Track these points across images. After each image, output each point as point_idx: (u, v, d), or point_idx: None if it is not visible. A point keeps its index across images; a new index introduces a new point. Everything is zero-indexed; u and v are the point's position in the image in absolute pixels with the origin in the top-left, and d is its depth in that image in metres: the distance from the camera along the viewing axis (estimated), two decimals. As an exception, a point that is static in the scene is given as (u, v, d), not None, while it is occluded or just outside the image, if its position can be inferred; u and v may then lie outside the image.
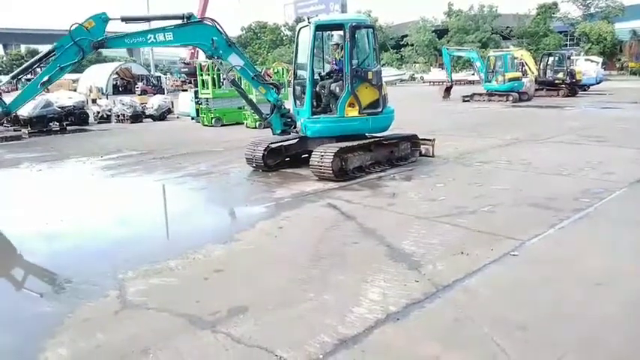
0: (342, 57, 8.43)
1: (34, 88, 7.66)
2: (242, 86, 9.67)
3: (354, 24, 8.37)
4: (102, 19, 7.60)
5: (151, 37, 8.03)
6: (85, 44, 7.52)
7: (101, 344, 3.39)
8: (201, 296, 4.02)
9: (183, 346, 3.31)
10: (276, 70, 20.51)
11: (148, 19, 8.77)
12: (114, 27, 8.45)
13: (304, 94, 8.58)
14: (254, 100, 10.26)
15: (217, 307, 3.80)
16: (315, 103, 8.65)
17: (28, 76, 8.74)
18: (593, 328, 3.45)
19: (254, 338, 3.35)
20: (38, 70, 7.91)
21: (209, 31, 8.19)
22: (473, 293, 3.96)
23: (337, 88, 8.54)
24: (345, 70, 8.29)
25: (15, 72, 8.30)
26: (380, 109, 8.57)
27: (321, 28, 8.76)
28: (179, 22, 8.01)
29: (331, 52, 9.15)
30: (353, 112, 8.41)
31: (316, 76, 8.87)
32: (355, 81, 8.33)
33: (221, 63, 8.59)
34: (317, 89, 8.75)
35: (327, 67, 9.25)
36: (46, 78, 7.53)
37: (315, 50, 8.55)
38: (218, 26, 8.22)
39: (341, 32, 8.38)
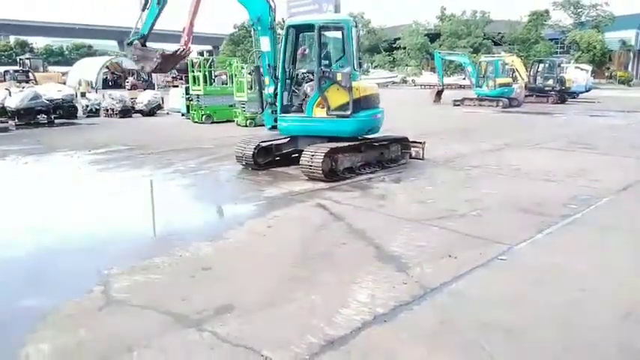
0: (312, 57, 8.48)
1: (154, 8, 8.48)
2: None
3: (322, 24, 8.36)
4: None
5: None
6: None
7: (84, 341, 3.33)
8: (188, 294, 3.98)
9: (168, 344, 3.26)
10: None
11: None
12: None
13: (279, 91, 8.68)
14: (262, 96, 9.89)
15: (204, 305, 3.76)
16: (290, 102, 8.74)
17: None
18: (580, 333, 3.46)
19: (240, 337, 3.31)
20: None
21: (263, 7, 8.51)
22: (460, 296, 3.96)
23: (309, 88, 8.59)
24: (316, 71, 8.31)
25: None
26: (349, 112, 8.26)
27: (293, 28, 8.81)
28: None
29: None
30: (321, 113, 8.40)
31: (300, 75, 8.90)
32: (324, 82, 8.29)
33: (258, 40, 8.74)
34: (293, 88, 8.79)
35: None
36: None
37: (287, 49, 8.61)
38: (272, 7, 8.54)
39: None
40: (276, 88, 8.74)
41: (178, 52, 8.89)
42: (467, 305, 3.82)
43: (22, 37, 72.27)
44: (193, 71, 17.67)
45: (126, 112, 19.30)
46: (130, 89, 31.25)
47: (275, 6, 8.62)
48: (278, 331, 3.43)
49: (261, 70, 8.92)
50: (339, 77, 8.24)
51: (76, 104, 19.26)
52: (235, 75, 16.92)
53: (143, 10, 8.77)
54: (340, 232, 5.58)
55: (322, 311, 3.67)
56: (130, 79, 39.14)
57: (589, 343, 3.35)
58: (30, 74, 30.69)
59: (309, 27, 8.63)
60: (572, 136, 13.63)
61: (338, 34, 8.58)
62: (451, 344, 3.29)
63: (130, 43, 8.92)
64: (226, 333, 3.37)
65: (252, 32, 8.92)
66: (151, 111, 20.07)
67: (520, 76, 28.40)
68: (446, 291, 4.04)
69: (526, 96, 26.86)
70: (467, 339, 3.33)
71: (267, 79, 8.86)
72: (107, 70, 43.08)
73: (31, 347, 3.24)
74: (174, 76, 42.39)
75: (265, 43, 8.67)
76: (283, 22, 11.06)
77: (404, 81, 59.49)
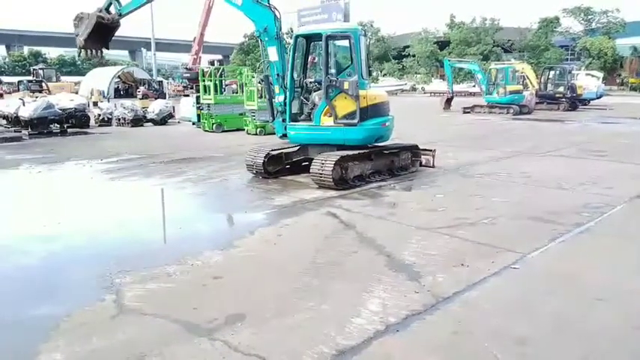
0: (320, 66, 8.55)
1: None
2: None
3: (329, 34, 8.40)
4: None
5: None
6: None
7: (97, 349, 3.35)
8: (199, 303, 3.99)
9: (179, 352, 3.27)
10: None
11: None
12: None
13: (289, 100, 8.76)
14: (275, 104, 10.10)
15: (215, 314, 3.76)
16: (300, 111, 8.82)
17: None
18: (593, 343, 3.42)
19: (251, 347, 3.31)
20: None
21: (268, 18, 8.64)
22: (473, 306, 3.93)
23: (317, 97, 8.64)
24: (323, 80, 8.37)
25: None
26: (356, 121, 8.28)
27: (301, 37, 8.95)
28: None
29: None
30: (329, 122, 8.42)
31: (310, 84, 8.97)
32: (332, 90, 8.34)
33: (265, 51, 8.89)
34: (302, 97, 8.87)
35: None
36: None
37: (295, 59, 8.71)
38: (277, 16, 8.66)
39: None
40: (285, 97, 8.79)
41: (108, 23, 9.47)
42: (480, 315, 3.79)
43: (36, 48, 73.31)
44: (204, 80, 17.79)
45: (137, 121, 19.45)
46: (142, 98, 31.46)
47: (280, 16, 8.71)
48: (289, 340, 3.42)
49: (270, 79, 8.99)
50: (346, 86, 8.27)
51: (89, 113, 19.45)
52: (245, 84, 17.02)
53: None
54: (351, 240, 5.57)
55: (334, 320, 3.66)
56: (142, 88, 39.44)
57: (602, 352, 3.31)
58: (43, 84, 31.03)
59: (317, 36, 8.68)
60: (583, 144, 13.53)
61: (347, 43, 8.61)
62: (464, 354, 3.26)
63: (108, 6, 9.48)
64: (238, 342, 3.37)
65: (260, 43, 9.02)
66: (162, 120, 20.22)
67: (531, 83, 28.32)
68: (458, 300, 4.01)
69: (537, 103, 26.73)
70: (480, 349, 3.30)
71: (277, 88, 8.92)
72: (119, 79, 43.57)
73: (44, 356, 3.26)
74: (185, 85, 42.75)
75: (273, 53, 8.77)
76: (292, 31, 11.22)
77: (413, 89, 59.47)
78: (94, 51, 10.16)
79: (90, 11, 9.81)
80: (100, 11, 9.69)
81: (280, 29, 8.79)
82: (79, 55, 9.74)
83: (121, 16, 9.73)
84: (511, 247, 5.20)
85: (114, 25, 9.99)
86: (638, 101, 36.65)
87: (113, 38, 10.32)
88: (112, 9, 9.74)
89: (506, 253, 5.04)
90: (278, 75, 8.83)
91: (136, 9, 9.68)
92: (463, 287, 4.21)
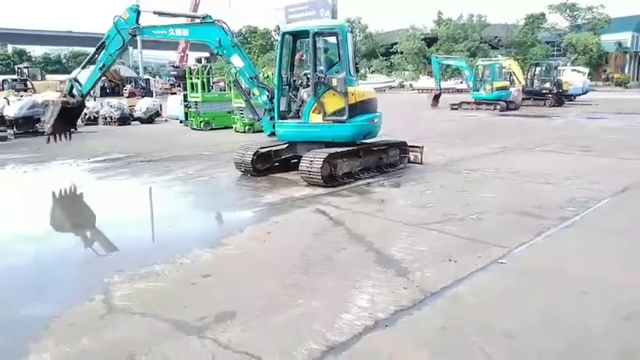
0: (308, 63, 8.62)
1: (96, 72, 9.82)
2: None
3: (316, 30, 8.41)
4: (134, 11, 9.20)
5: (171, 31, 9.45)
6: (124, 33, 9.22)
7: (86, 349, 3.34)
8: (188, 301, 3.98)
9: (169, 351, 3.26)
10: (266, 75, 20.49)
11: (175, 15, 10.15)
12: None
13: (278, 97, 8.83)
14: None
15: (204, 312, 3.77)
16: (288, 108, 8.87)
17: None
18: (579, 336, 3.48)
19: (241, 344, 3.32)
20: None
21: (217, 32, 8.88)
22: (461, 301, 3.97)
23: (305, 94, 8.66)
24: (311, 77, 8.39)
25: (83, 63, 10.33)
26: (345, 118, 8.31)
27: (288, 34, 8.96)
28: (197, 20, 9.37)
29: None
30: (317, 119, 8.44)
31: (298, 81, 9.02)
32: (320, 87, 8.35)
33: (228, 62, 9.12)
34: (290, 94, 8.90)
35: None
36: (102, 64, 9.63)
37: (283, 56, 8.78)
38: (225, 28, 8.93)
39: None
40: (271, 95, 8.80)
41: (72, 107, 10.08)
42: (467, 309, 3.83)
43: (20, 46, 72.41)
44: (191, 78, 17.71)
45: (124, 119, 19.32)
46: (129, 97, 31.25)
47: (229, 27, 8.97)
48: (279, 337, 3.44)
49: (243, 84, 9.18)
50: (334, 82, 8.27)
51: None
52: (230, 83, 16.97)
53: (84, 67, 10.10)
54: (340, 237, 5.59)
55: (323, 317, 3.68)
56: (128, 86, 39.21)
57: (589, 345, 3.37)
58: (28, 83, 30.68)
59: (305, 33, 8.68)
60: (569, 139, 13.68)
61: (335, 40, 8.62)
62: (452, 349, 3.30)
63: (70, 90, 10.03)
64: (228, 340, 3.38)
65: (222, 58, 9.21)
66: (150, 118, 20.09)
67: (517, 79, 28.55)
68: (446, 295, 4.05)
69: (523, 99, 26.98)
70: (468, 343, 3.34)
71: (256, 90, 8.99)
72: (105, 77, 43.10)
73: (34, 356, 3.24)
74: (172, 83, 42.52)
75: (237, 60, 8.99)
76: (279, 29, 11.57)
77: (401, 85, 59.68)
78: (62, 136, 10.50)
79: (54, 97, 10.72)
80: (65, 96, 10.15)
81: (234, 36, 9.13)
82: (47, 142, 10.30)
83: (83, 96, 10.14)
84: (498, 242, 5.25)
85: (79, 106, 10.48)
86: (623, 96, 37.14)
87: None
88: (74, 91, 10.10)
89: (493, 248, 5.09)
90: (251, 78, 8.95)
91: (94, 86, 10.40)
92: (451, 282, 4.25)
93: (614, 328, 3.58)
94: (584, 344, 3.38)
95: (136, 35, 9.45)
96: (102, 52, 9.61)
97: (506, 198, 7.26)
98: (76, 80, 10.09)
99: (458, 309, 3.83)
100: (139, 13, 9.23)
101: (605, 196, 7.24)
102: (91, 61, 9.98)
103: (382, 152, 9.14)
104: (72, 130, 10.80)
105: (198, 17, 9.27)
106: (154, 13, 9.45)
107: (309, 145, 8.59)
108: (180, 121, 18.99)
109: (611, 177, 8.54)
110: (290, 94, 8.92)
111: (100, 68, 9.67)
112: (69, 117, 10.38)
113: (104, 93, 39.52)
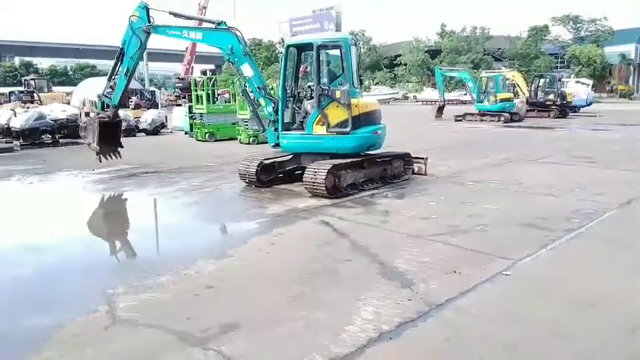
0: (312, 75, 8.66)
1: (122, 79, 9.91)
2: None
3: (320, 43, 8.48)
4: (142, 8, 9.33)
5: (185, 33, 9.49)
6: (139, 32, 9.37)
7: (89, 360, 3.33)
8: (192, 313, 3.98)
9: (173, 363, 3.26)
10: (270, 87, 20.59)
11: (189, 18, 10.20)
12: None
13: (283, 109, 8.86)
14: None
15: (208, 323, 3.76)
16: (292, 120, 8.90)
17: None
18: (585, 348, 3.45)
19: (245, 356, 3.31)
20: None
21: (231, 39, 8.90)
22: (465, 312, 3.95)
23: (309, 106, 8.68)
24: (315, 89, 8.44)
25: (107, 76, 10.51)
26: (348, 129, 8.32)
27: (292, 47, 9.08)
28: (211, 25, 9.24)
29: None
30: (321, 130, 8.47)
31: (302, 93, 9.03)
32: (324, 99, 8.39)
33: (238, 70, 9.14)
34: (294, 106, 8.93)
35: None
36: (126, 69, 9.75)
37: (287, 68, 8.88)
38: (239, 36, 8.94)
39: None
40: (276, 106, 8.84)
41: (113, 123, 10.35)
42: (472, 321, 3.81)
43: (27, 58, 73.11)
44: (196, 90, 17.82)
45: (130, 131, 19.37)
46: (134, 108, 31.38)
47: (242, 35, 8.99)
48: (283, 349, 3.43)
49: (251, 94, 9.23)
50: (337, 95, 8.32)
51: (81, 124, 19.34)
52: (238, 93, 17.05)
53: (109, 79, 10.22)
54: (344, 248, 5.59)
55: (327, 329, 3.67)
56: (134, 98, 39.36)
57: (595, 358, 3.34)
58: (35, 95, 30.88)
59: (309, 46, 8.75)
60: (573, 150, 13.65)
61: (338, 52, 8.67)
62: (457, 361, 3.28)
63: (102, 105, 10.28)
64: (231, 352, 3.37)
65: (232, 65, 9.28)
66: (155, 130, 20.19)
67: (521, 90, 28.56)
68: (451, 307, 4.03)
69: (527, 111, 26.97)
70: (473, 355, 3.32)
71: (262, 101, 9.03)
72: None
73: (37, 367, 3.24)
74: (177, 95, 42.74)
75: (247, 69, 9.01)
76: (283, 41, 11.68)
77: (405, 97, 59.81)
78: (112, 155, 10.75)
79: (89, 116, 10.93)
80: (98, 114, 10.40)
81: (246, 45, 9.12)
82: (99, 161, 10.58)
83: (116, 107, 10.31)
84: (503, 253, 5.23)
85: (117, 121, 10.79)
86: (627, 108, 37.08)
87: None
88: (106, 107, 10.36)
89: (497, 259, 5.07)
90: (259, 88, 9.00)
91: (124, 94, 10.35)
92: (455, 294, 4.23)
93: (621, 340, 3.55)
94: (589, 357, 3.35)
95: (150, 33, 9.50)
96: (122, 60, 9.76)
97: (511, 209, 7.24)
98: (106, 96, 10.25)
99: (462, 321, 3.81)
100: (148, 10, 9.33)
101: (610, 207, 7.21)
102: (114, 72, 10.07)
103: (386, 163, 9.15)
104: (119, 148, 10.90)
105: (212, 22, 9.25)
106: (170, 13, 9.49)
107: (313, 156, 8.62)
108: (186, 133, 19.08)
109: (616, 188, 8.51)
110: (294, 105, 8.96)
111: (125, 74, 9.78)
112: (111, 133, 10.57)
113: (110, 105, 39.65)
